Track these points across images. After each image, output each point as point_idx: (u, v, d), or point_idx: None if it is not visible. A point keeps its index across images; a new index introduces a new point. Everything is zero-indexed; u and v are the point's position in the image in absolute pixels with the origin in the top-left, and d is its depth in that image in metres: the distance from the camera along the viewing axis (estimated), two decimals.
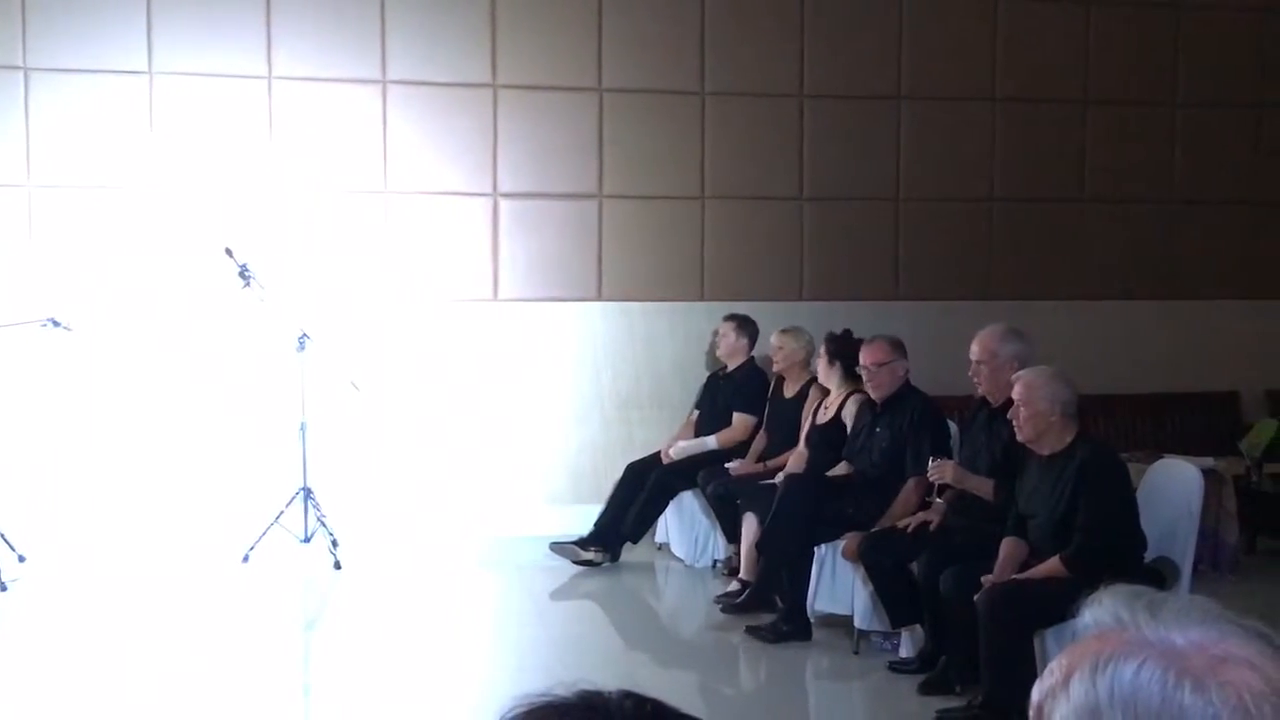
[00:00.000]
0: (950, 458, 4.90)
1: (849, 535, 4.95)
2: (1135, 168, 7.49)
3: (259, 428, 6.50)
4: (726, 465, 6.25)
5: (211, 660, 4.84)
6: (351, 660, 4.97)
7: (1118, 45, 7.41)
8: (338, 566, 6.08)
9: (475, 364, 6.89)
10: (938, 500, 4.84)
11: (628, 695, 0.90)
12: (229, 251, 6.18)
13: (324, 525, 6.15)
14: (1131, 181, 7.49)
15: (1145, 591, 0.93)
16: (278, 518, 6.13)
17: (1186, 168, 7.53)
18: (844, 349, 5.66)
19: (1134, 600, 0.92)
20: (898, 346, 5.29)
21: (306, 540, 6.17)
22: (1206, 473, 4.95)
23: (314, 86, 6.71)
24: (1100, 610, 0.93)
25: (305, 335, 6.23)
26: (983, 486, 4.61)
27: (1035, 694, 0.92)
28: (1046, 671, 0.92)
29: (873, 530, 4.91)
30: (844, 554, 4.96)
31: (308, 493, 6.19)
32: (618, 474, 6.58)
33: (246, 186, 6.64)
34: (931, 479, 4.77)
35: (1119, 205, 7.49)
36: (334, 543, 6.10)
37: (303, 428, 6.22)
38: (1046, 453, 4.20)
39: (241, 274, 6.17)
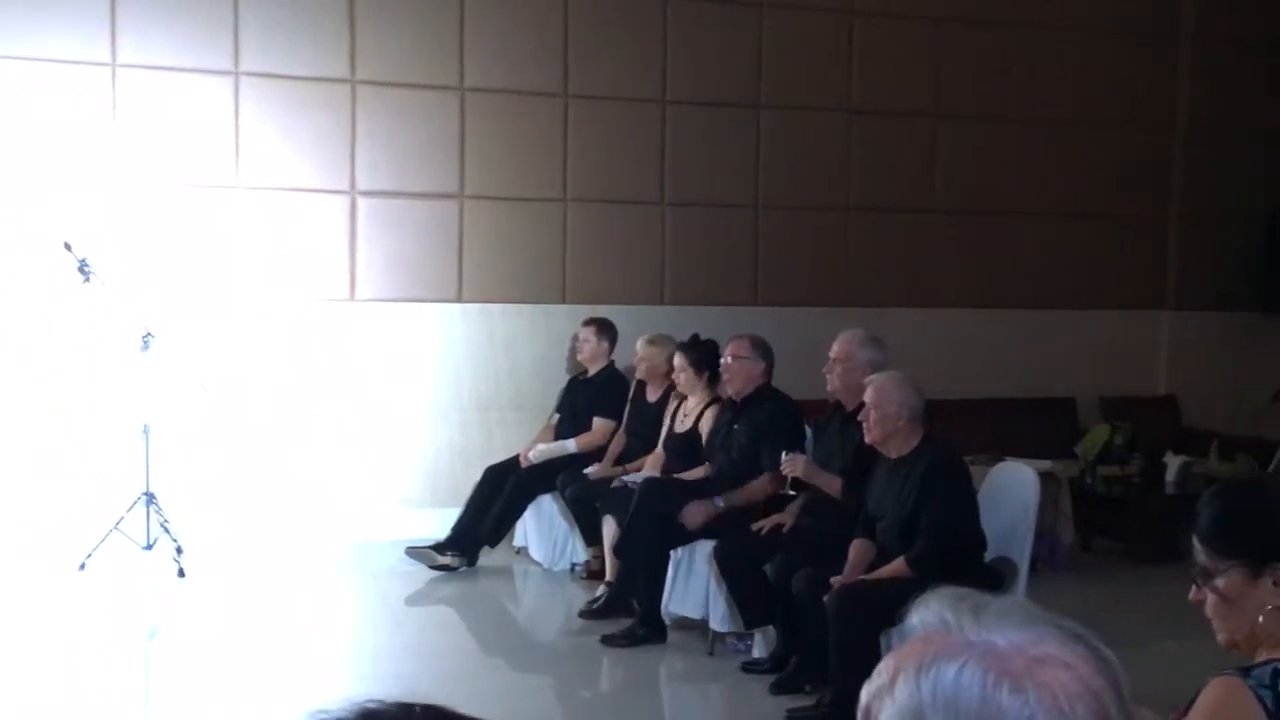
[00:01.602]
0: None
1: (694, 504, 5.00)
2: (980, 181, 7.78)
3: (99, 430, 6.21)
4: (585, 469, 6.25)
5: (46, 673, 4.60)
6: (195, 672, 4.78)
7: (965, 62, 7.68)
8: (181, 574, 5.85)
9: (331, 365, 6.73)
10: (791, 493, 4.93)
11: (401, 705, 0.89)
12: (68, 246, 5.90)
13: (167, 532, 5.91)
14: (977, 194, 7.77)
15: (970, 594, 0.96)
16: (118, 524, 5.87)
17: (1025, 182, 7.85)
18: (704, 355, 5.75)
19: (959, 602, 0.94)
20: (759, 346, 5.41)
21: (148, 547, 5.93)
22: (1044, 475, 5.17)
23: (162, 76, 6.45)
24: (927, 612, 0.95)
25: (150, 334, 5.98)
26: (832, 484, 4.73)
27: (864, 696, 0.94)
28: (875, 673, 0.94)
29: (725, 528, 4.98)
30: (685, 519, 5.00)
31: (150, 498, 5.95)
32: (476, 477, 6.51)
33: (88, 178, 6.34)
34: (784, 472, 4.87)
35: (965, 216, 7.76)
36: (178, 550, 5.88)
37: (146, 430, 5.97)
38: (894, 456, 4.33)
39: (81, 269, 5.89)
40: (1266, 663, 1.79)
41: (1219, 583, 1.86)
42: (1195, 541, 1.90)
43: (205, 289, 6.53)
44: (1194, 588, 1.91)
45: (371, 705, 0.87)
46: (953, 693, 0.88)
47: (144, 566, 5.88)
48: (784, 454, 4.84)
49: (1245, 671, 1.78)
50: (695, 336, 5.86)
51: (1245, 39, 8.06)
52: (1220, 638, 1.90)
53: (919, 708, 0.88)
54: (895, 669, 0.92)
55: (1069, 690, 0.87)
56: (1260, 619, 1.82)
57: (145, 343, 5.97)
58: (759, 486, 5.15)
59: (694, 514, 5.01)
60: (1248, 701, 1.74)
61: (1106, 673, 0.91)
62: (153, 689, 4.79)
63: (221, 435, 6.50)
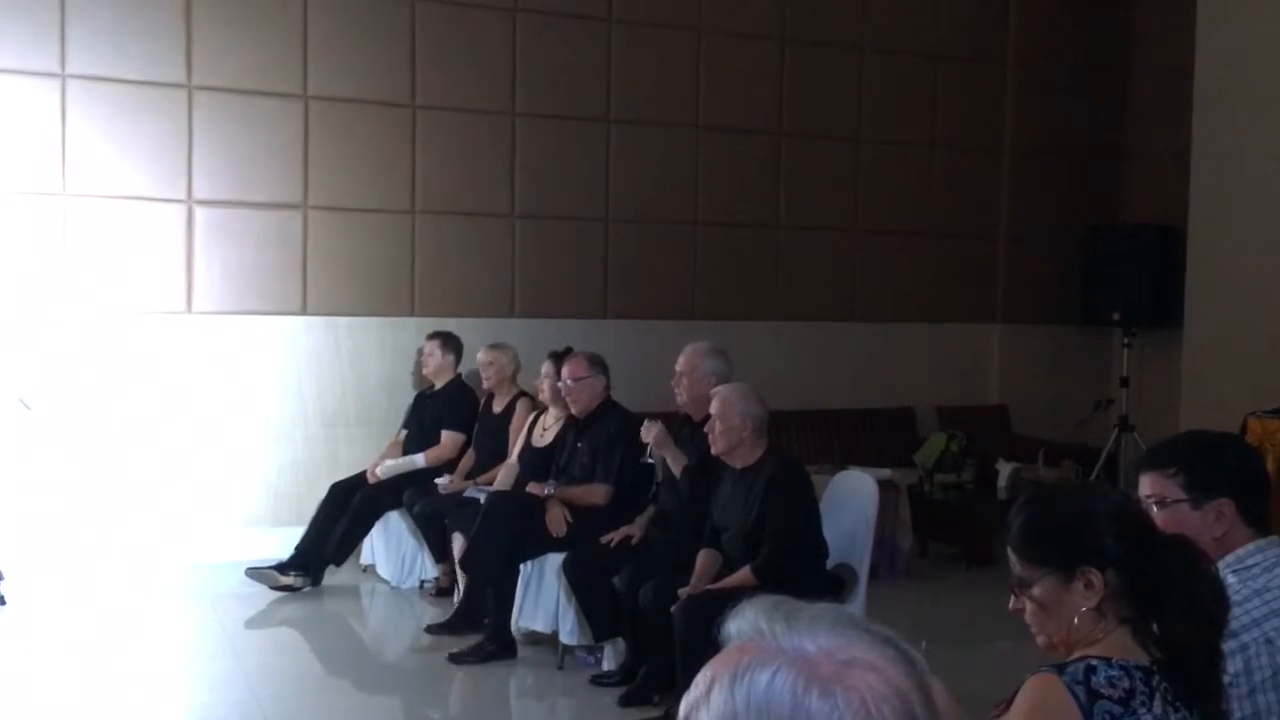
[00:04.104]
0: (650, 471, 5.10)
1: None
2: (823, 198, 7.99)
3: None
4: (436, 481, 6.16)
5: None
6: (19, 705, 4.52)
7: (809, 82, 7.88)
8: (1, 602, 5.54)
9: (167, 380, 6.48)
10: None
11: None
12: None
13: None
14: (820, 211, 7.98)
15: (784, 601, 0.98)
16: None
17: (867, 199, 8.11)
18: None
19: (773, 610, 0.96)
20: (596, 363, 5.45)
21: None
22: (883, 483, 5.33)
23: None
24: (742, 621, 0.97)
25: None
26: (678, 461, 4.82)
27: (683, 707, 0.95)
28: (693, 683, 0.95)
29: (575, 541, 4.98)
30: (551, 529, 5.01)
31: None
32: (321, 494, 6.36)
33: None
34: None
35: (809, 232, 7.96)
36: None
37: None
38: (739, 466, 4.40)
39: None
40: (1080, 659, 1.87)
41: (1035, 591, 1.93)
42: (1009, 552, 1.97)
43: (28, 300, 6.21)
44: (1013, 597, 1.97)
45: None
46: (765, 700, 0.89)
47: None
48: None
49: (1060, 668, 1.85)
50: (569, 349, 5.84)
51: (1066, 66, 8.50)
52: (1040, 640, 1.97)
53: (734, 716, 0.90)
54: (711, 678, 0.93)
55: (876, 692, 0.90)
56: (1075, 621, 1.90)
57: None
58: (590, 491, 5.20)
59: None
60: (1063, 697, 1.82)
61: (913, 674, 0.94)
62: None
63: (48, 454, 6.18)
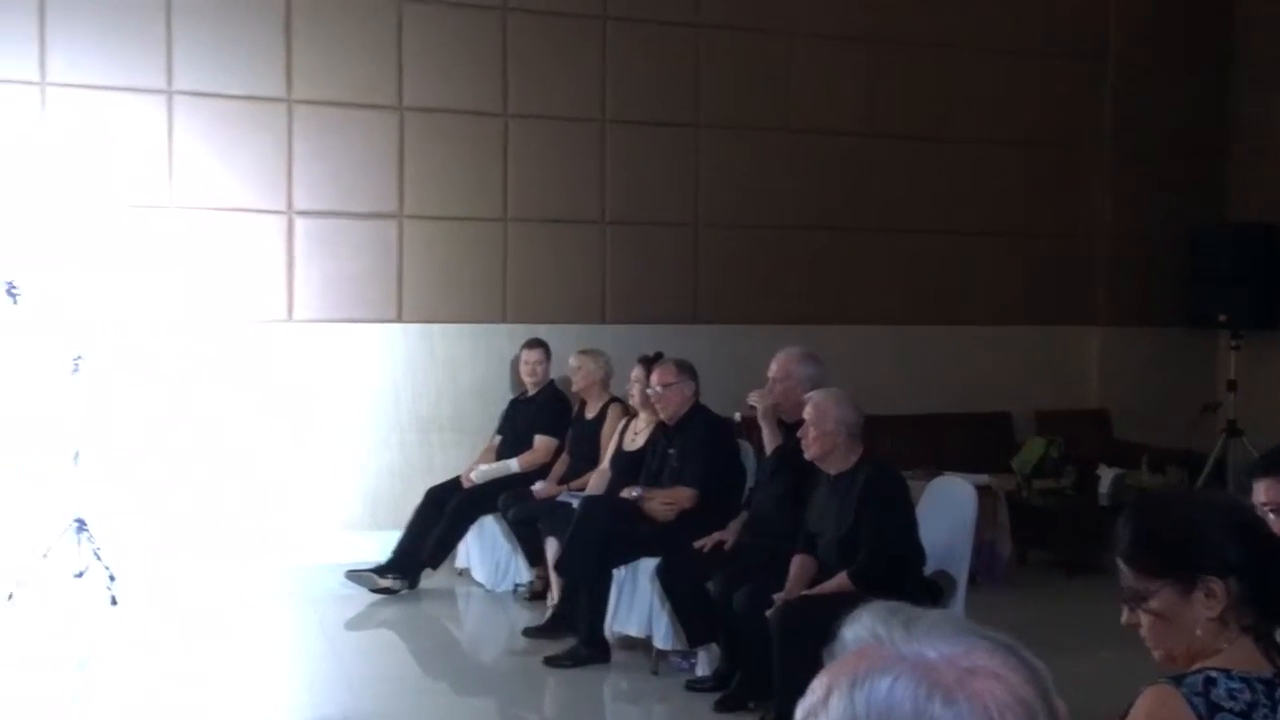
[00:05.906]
0: (741, 472, 5.08)
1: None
2: (915, 199, 7.87)
3: (28, 456, 6.07)
4: (532, 487, 6.21)
5: None
6: (127, 703, 4.67)
7: (898, 82, 7.77)
8: (114, 603, 5.73)
9: (268, 387, 6.65)
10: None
11: None
12: None
13: (99, 559, 5.78)
14: (912, 212, 7.86)
15: (901, 607, 0.97)
16: (47, 552, 5.73)
17: (958, 200, 7.96)
18: None
19: (890, 617, 0.95)
20: (685, 369, 5.46)
21: (80, 576, 5.79)
22: (981, 489, 5.23)
23: (92, 94, 6.35)
24: (859, 627, 0.95)
25: (80, 357, 5.86)
26: (774, 439, 4.89)
27: (798, 713, 0.94)
28: (809, 690, 0.94)
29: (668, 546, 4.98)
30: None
31: (81, 524, 5.81)
32: (417, 499, 6.46)
33: (15, 198, 6.22)
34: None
35: (901, 234, 7.85)
36: (110, 577, 5.75)
37: (76, 455, 5.85)
38: (834, 472, 4.36)
39: (9, 291, 5.76)
40: (1199, 670, 1.81)
41: (1153, 604, 1.84)
42: (1120, 564, 1.88)
43: (138, 310, 6.43)
44: (1126, 611, 1.87)
45: None
46: (886, 706, 0.88)
47: (75, 595, 5.74)
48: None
49: (1178, 680, 1.79)
50: (659, 354, 5.86)
51: (1167, 62, 8.27)
52: (1157, 654, 1.88)
53: None
54: (829, 685, 0.92)
55: (1000, 700, 0.88)
56: (1198, 632, 1.83)
57: (76, 365, 5.85)
58: (674, 494, 5.22)
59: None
60: (1181, 709, 1.76)
61: (1035, 682, 0.92)
62: None
63: (156, 459, 6.38)
